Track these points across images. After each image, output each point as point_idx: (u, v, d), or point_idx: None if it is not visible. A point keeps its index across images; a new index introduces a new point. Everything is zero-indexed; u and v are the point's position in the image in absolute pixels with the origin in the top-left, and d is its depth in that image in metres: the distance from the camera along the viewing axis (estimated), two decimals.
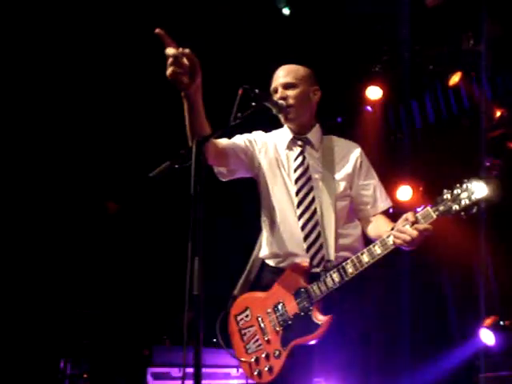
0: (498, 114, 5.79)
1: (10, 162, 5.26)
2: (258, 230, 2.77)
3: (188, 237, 1.86)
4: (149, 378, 4.65)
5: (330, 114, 6.37)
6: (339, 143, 2.74)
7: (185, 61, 2.08)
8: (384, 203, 2.64)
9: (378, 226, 2.53)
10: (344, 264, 2.35)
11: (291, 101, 2.59)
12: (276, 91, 2.63)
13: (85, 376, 5.15)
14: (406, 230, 2.22)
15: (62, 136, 5.55)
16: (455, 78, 5.97)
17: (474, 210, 2.15)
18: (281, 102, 2.55)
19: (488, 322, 5.01)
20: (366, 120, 6.58)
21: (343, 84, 6.31)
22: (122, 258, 5.86)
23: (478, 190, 2.13)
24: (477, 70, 5.95)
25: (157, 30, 2.07)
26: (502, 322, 4.89)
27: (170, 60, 2.05)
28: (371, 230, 2.58)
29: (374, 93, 6.39)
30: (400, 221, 2.29)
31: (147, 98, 5.65)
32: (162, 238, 5.86)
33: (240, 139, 2.63)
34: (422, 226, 2.21)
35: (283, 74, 2.65)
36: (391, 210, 2.71)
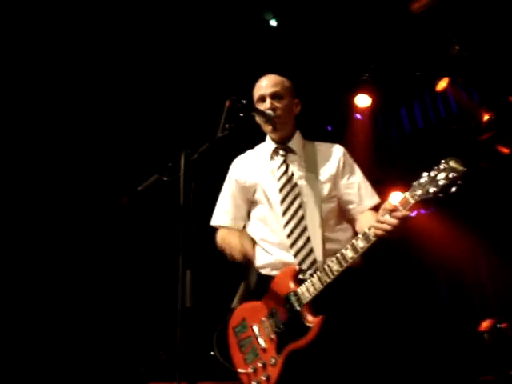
0: (486, 117, 5.84)
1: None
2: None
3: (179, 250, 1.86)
4: None
5: (320, 123, 6.40)
6: (321, 147, 2.74)
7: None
8: (370, 200, 2.61)
9: (364, 222, 2.47)
10: (329, 262, 2.31)
11: (279, 112, 2.60)
12: (263, 100, 2.63)
13: None
14: (385, 220, 2.18)
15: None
16: (443, 84, 6.02)
17: (454, 190, 2.06)
18: (269, 112, 2.56)
19: (485, 324, 5.00)
20: (356, 128, 6.62)
21: (332, 93, 6.36)
22: (116, 269, 5.82)
23: (454, 168, 2.06)
24: (464, 75, 6.01)
25: None
26: (498, 325, 4.87)
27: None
28: (358, 228, 2.55)
29: (362, 101, 6.42)
30: (379, 212, 2.26)
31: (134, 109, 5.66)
32: (154, 251, 5.82)
33: (232, 204, 2.77)
34: (401, 213, 2.17)
35: (271, 84, 2.65)
36: None
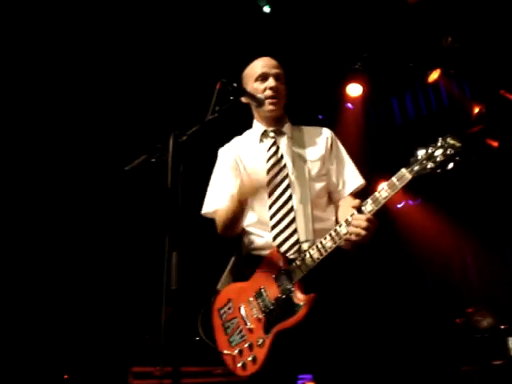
0: (477, 110, 5.86)
1: None
2: None
3: (165, 232, 1.85)
4: (131, 377, 4.59)
5: (311, 111, 6.38)
6: (309, 129, 2.74)
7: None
8: (354, 183, 2.61)
9: (344, 211, 2.48)
10: (322, 239, 2.29)
11: (283, 93, 2.62)
12: (265, 78, 2.59)
13: (65, 377, 5.08)
14: (354, 231, 2.18)
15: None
16: (434, 75, 6.03)
17: (451, 166, 2.09)
18: (259, 95, 2.53)
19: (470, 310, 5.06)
20: (347, 117, 6.62)
21: (324, 81, 6.34)
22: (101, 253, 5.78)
23: (452, 144, 2.09)
24: (456, 67, 6.02)
25: None
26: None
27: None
28: (338, 215, 2.55)
29: (354, 90, 6.43)
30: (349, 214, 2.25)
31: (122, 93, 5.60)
32: (140, 233, 5.77)
33: (229, 180, 2.63)
34: (358, 220, 2.17)
35: (274, 65, 2.63)
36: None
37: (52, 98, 5.42)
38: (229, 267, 2.65)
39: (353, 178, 2.63)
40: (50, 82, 5.33)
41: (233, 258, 2.67)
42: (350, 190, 2.61)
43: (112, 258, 5.76)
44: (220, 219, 2.58)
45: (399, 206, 6.79)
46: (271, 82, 2.57)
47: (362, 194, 2.52)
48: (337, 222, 2.54)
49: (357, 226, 2.17)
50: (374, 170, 6.48)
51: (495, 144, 5.84)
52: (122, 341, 5.16)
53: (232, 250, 2.68)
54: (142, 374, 4.61)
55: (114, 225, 5.82)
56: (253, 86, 2.61)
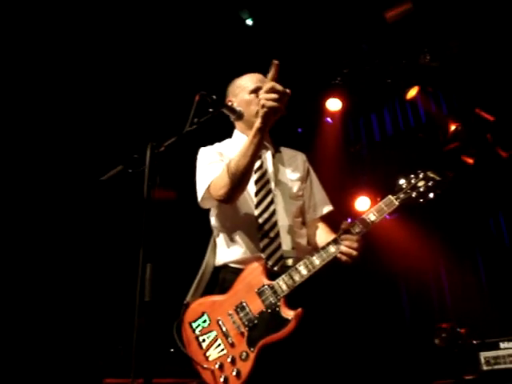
0: (453, 128, 5.97)
1: None
2: (209, 235, 2.75)
3: (140, 243, 1.83)
4: None
5: (291, 124, 6.43)
6: (287, 150, 2.85)
7: (285, 100, 2.29)
8: (324, 208, 2.77)
9: (319, 234, 2.66)
10: (310, 256, 2.35)
11: None
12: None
13: None
14: (347, 251, 2.31)
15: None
16: (412, 92, 6.13)
17: (432, 196, 2.36)
18: (239, 108, 2.55)
19: (443, 326, 5.09)
20: (326, 131, 6.68)
21: (304, 95, 6.39)
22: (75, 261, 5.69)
23: (432, 177, 2.39)
24: (434, 85, 6.14)
25: (276, 62, 2.31)
26: (458, 329, 4.97)
27: (277, 96, 2.23)
28: (311, 237, 2.69)
29: (334, 104, 6.49)
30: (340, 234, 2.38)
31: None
32: (114, 244, 5.71)
33: (218, 163, 2.58)
34: (350, 240, 2.31)
35: None
36: (349, 220, 2.77)
37: (27, 105, 5.35)
38: (198, 279, 2.63)
39: (323, 202, 2.80)
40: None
41: (201, 270, 2.66)
42: (321, 214, 2.76)
43: (86, 269, 5.67)
44: (219, 179, 2.44)
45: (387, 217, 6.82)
46: None
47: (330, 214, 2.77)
48: (308, 242, 2.66)
49: (349, 247, 2.31)
50: (351, 183, 6.56)
51: (470, 161, 5.94)
52: (95, 352, 5.08)
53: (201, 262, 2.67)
54: None
55: (89, 235, 5.75)
56: (244, 97, 2.69)
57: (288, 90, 2.30)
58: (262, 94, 2.26)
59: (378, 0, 5.45)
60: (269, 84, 2.27)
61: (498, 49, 5.40)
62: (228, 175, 2.35)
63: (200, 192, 2.55)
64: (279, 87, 2.26)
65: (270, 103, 2.23)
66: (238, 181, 2.35)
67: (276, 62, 2.30)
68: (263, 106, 2.25)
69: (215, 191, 2.44)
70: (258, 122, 2.31)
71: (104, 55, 5.35)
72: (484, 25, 5.34)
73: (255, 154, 2.33)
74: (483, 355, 4.05)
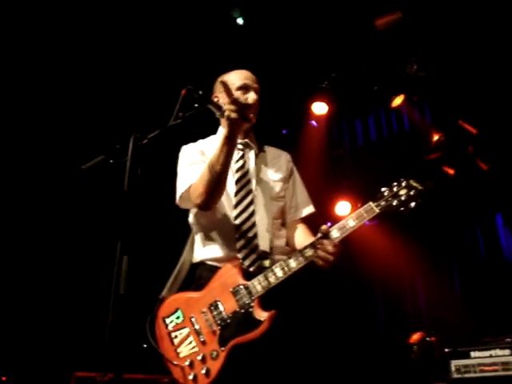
0: (436, 137, 6.03)
1: None
2: (188, 231, 2.72)
3: (118, 235, 1.81)
4: (74, 382, 4.46)
5: (275, 125, 6.43)
6: (271, 150, 2.83)
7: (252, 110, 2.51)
8: (306, 209, 2.74)
9: (298, 236, 2.65)
10: (286, 259, 2.33)
11: (258, 108, 2.66)
12: (247, 89, 2.62)
13: (3, 379, 4.90)
14: (323, 256, 2.29)
15: None
16: (398, 101, 6.18)
17: (413, 205, 2.34)
18: (226, 106, 2.53)
19: (415, 337, 5.14)
20: (311, 134, 6.70)
21: (290, 97, 6.40)
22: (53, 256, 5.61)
23: (415, 186, 2.35)
24: (419, 94, 6.20)
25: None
26: (428, 338, 5.02)
27: (238, 107, 2.27)
28: (290, 238, 2.67)
29: (319, 108, 6.52)
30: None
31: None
32: (92, 235, 5.63)
33: (199, 165, 2.55)
34: (327, 245, 2.28)
35: (255, 80, 2.69)
36: (329, 224, 2.75)
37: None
38: (174, 274, 2.62)
39: (306, 203, 2.77)
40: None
41: (178, 266, 2.64)
42: (302, 215, 2.74)
43: (60, 259, 5.59)
44: (198, 184, 2.42)
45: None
46: (253, 95, 2.62)
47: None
48: (287, 243, 2.65)
49: (326, 251, 2.28)
50: (333, 187, 6.59)
51: (451, 172, 6.00)
52: (66, 344, 5.02)
53: (177, 256, 2.65)
54: (85, 380, 4.49)
55: (65, 224, 5.67)
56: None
57: (251, 101, 2.52)
58: (226, 105, 2.30)
59: (368, 7, 5.49)
60: (234, 96, 2.33)
61: (483, 63, 5.48)
62: (205, 182, 2.37)
63: (179, 193, 2.54)
64: (241, 99, 2.40)
65: (234, 114, 2.26)
66: (213, 188, 2.37)
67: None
68: (228, 117, 2.27)
69: (194, 197, 2.44)
70: (225, 131, 2.34)
71: (94, 46, 5.30)
72: (470, 39, 5.41)
73: (227, 162, 2.35)
74: (454, 363, 4.09)
